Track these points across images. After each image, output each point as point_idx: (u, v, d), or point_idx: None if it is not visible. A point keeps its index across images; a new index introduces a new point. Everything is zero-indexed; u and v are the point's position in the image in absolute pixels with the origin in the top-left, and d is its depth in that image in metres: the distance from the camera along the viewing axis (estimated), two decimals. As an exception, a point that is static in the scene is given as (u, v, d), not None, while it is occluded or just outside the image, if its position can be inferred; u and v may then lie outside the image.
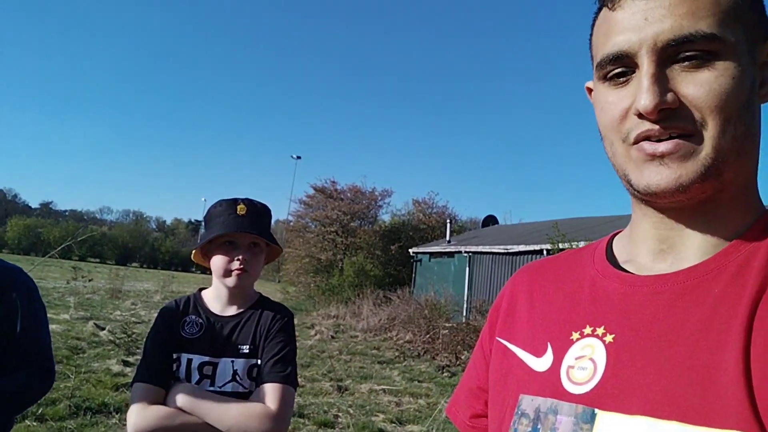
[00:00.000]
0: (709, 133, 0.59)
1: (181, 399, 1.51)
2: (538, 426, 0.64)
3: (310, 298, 22.16)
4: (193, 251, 1.75)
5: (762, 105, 0.65)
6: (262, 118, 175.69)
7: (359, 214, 26.17)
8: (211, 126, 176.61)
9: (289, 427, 1.71)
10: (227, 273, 1.63)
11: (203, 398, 1.52)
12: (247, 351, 1.61)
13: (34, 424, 4.54)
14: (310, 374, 7.88)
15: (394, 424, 5.83)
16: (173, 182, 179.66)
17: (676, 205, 0.64)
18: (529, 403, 0.67)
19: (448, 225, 20.42)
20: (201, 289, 1.77)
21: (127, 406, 4.91)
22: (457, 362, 9.64)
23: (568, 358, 0.66)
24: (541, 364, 0.69)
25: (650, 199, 0.64)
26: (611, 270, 0.70)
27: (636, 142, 0.62)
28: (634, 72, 0.62)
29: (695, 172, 0.59)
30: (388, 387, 7.53)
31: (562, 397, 0.64)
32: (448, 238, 19.51)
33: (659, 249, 0.67)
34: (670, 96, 0.59)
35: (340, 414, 5.94)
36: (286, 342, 1.63)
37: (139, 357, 7.47)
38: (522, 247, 13.62)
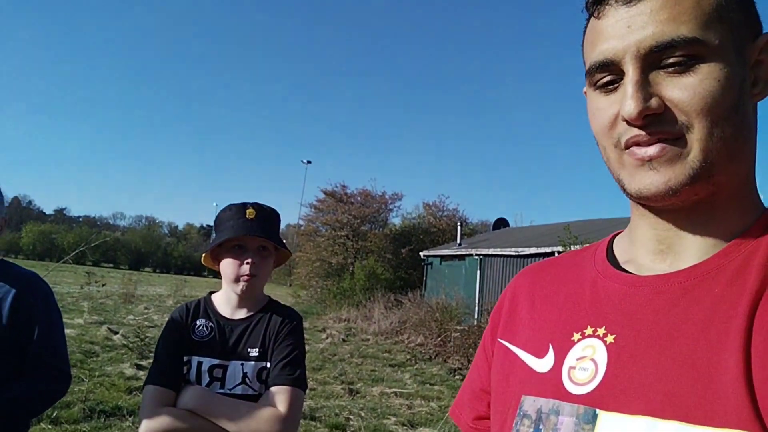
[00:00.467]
0: (696, 136, 0.59)
1: (192, 401, 1.52)
2: (540, 427, 0.65)
3: (321, 302, 22.20)
4: (203, 255, 1.77)
5: (760, 103, 0.65)
6: (273, 123, 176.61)
7: (369, 217, 26.20)
8: (222, 132, 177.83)
9: (301, 430, 1.71)
10: (236, 277, 1.65)
11: (213, 400, 1.53)
12: (257, 354, 1.62)
13: (49, 427, 4.59)
14: (322, 377, 7.89)
15: (405, 427, 5.82)
16: (185, 188, 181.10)
17: (671, 207, 0.64)
18: (531, 404, 0.67)
19: (459, 228, 20.38)
20: (211, 293, 1.79)
21: (140, 408, 4.94)
22: (469, 365, 9.58)
23: (570, 359, 0.66)
24: (542, 365, 0.69)
25: (644, 202, 0.65)
26: (612, 270, 0.71)
27: (627, 147, 0.63)
28: (622, 79, 0.63)
29: (684, 175, 0.60)
30: (399, 390, 7.52)
31: (564, 397, 0.64)
32: (458, 241, 19.46)
33: (658, 249, 0.67)
34: (654, 101, 0.60)
35: (351, 417, 5.94)
36: (294, 345, 1.64)
37: (151, 361, 7.56)
38: (533, 250, 13.57)
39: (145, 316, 13.48)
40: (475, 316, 14.04)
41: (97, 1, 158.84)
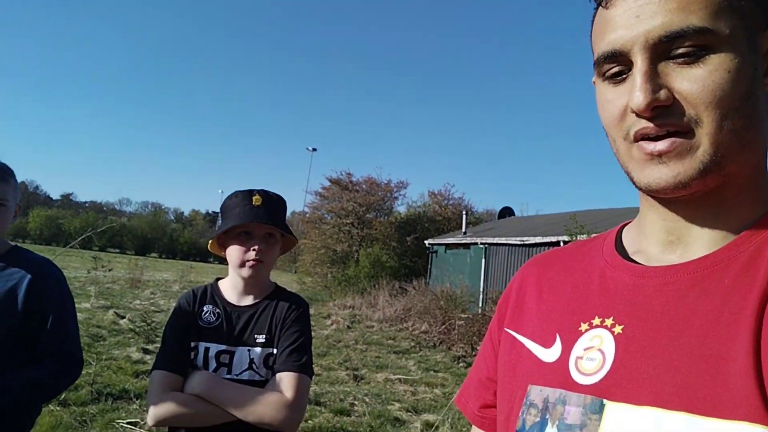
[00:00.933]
0: (705, 129, 0.58)
1: (199, 386, 1.54)
2: (547, 416, 0.65)
3: (326, 289, 22.29)
4: (210, 241, 1.77)
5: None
6: (279, 110, 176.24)
7: (375, 205, 26.18)
8: (228, 119, 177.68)
9: (306, 415, 1.73)
10: (243, 263, 1.66)
11: (220, 386, 1.54)
12: (264, 340, 1.63)
13: (58, 409, 4.65)
14: (327, 363, 7.94)
15: (409, 413, 5.86)
16: (191, 174, 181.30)
17: (680, 199, 0.64)
18: (537, 393, 0.68)
19: (464, 216, 20.34)
20: (218, 279, 1.80)
21: (147, 392, 5.00)
22: (473, 353, 9.65)
23: (577, 349, 0.66)
24: (549, 354, 0.69)
25: (653, 194, 0.65)
26: (620, 261, 0.70)
27: (635, 139, 0.62)
28: (630, 69, 0.62)
29: (694, 169, 0.59)
30: (403, 376, 7.56)
31: (571, 387, 0.64)
32: (464, 230, 19.45)
33: (667, 240, 0.67)
34: (663, 93, 0.59)
35: (356, 402, 5.99)
36: (301, 331, 1.65)
37: (158, 345, 7.56)
38: (539, 239, 13.54)
39: (152, 301, 13.58)
40: (480, 305, 14.06)
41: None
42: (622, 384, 0.60)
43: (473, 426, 0.87)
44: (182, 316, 1.68)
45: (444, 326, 11.19)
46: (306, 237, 25.61)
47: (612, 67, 0.63)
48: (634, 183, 0.64)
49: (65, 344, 1.82)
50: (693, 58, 0.58)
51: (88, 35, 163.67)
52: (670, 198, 0.64)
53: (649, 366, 0.59)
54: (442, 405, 6.14)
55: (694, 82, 0.58)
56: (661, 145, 0.60)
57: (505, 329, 0.80)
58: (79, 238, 6.21)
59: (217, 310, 1.68)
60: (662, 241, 0.67)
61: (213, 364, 1.62)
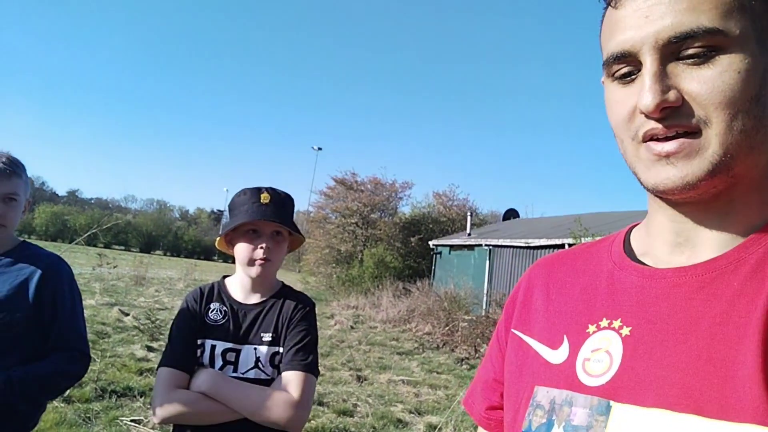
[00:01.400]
0: (714, 131, 0.58)
1: (205, 384, 1.54)
2: (553, 417, 0.65)
3: (330, 289, 22.31)
4: (217, 239, 1.77)
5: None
6: (285, 109, 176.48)
7: (379, 205, 26.19)
8: (233, 118, 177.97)
9: (309, 415, 1.73)
10: (250, 261, 1.66)
11: (226, 384, 1.55)
12: (270, 339, 1.63)
13: (62, 405, 4.67)
14: (330, 363, 7.94)
15: (412, 415, 5.86)
16: (196, 172, 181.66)
17: (688, 200, 0.63)
18: (544, 394, 0.68)
19: (469, 218, 20.34)
20: (225, 277, 1.80)
21: (151, 390, 4.97)
22: (476, 355, 9.63)
23: (584, 351, 0.66)
24: (556, 356, 0.69)
25: (660, 195, 0.64)
26: (628, 262, 0.70)
27: (644, 140, 0.62)
28: (640, 70, 0.61)
29: (702, 170, 0.59)
30: (406, 378, 7.56)
31: (578, 389, 0.64)
32: (468, 231, 19.43)
33: (676, 242, 0.67)
34: (672, 94, 0.58)
35: (359, 403, 5.99)
36: (307, 331, 1.65)
37: (162, 343, 7.61)
38: (543, 241, 13.52)
39: (156, 298, 13.60)
40: (484, 307, 14.05)
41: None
42: (629, 386, 0.60)
43: (479, 427, 0.87)
44: (189, 313, 1.68)
45: (447, 328, 11.18)
46: (310, 236, 25.64)
47: (621, 68, 0.63)
48: (641, 184, 0.64)
49: (74, 340, 1.83)
50: (703, 58, 0.58)
51: (94, 32, 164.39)
52: (678, 199, 0.63)
53: (657, 368, 0.59)
54: (445, 407, 6.13)
55: (704, 83, 0.58)
56: (669, 146, 0.59)
57: (512, 330, 0.80)
58: (85, 235, 6.24)
59: (224, 308, 1.68)
60: (670, 242, 0.67)
61: (219, 362, 1.62)
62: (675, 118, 0.59)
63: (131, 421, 4.57)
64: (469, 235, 18.89)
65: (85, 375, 1.94)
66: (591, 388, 0.63)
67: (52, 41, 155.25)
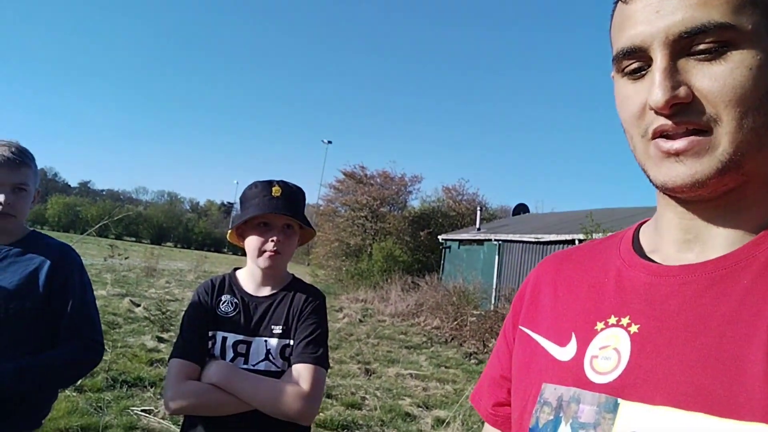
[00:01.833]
0: (725, 128, 0.57)
1: (216, 376, 1.55)
2: (561, 414, 0.65)
3: (338, 282, 22.36)
4: (229, 231, 1.78)
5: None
6: (294, 103, 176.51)
7: (389, 199, 26.18)
8: (244, 111, 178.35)
9: (319, 407, 1.74)
10: (261, 254, 1.66)
11: (237, 376, 1.56)
12: (280, 331, 1.64)
13: (74, 394, 4.72)
14: (338, 356, 7.97)
15: (420, 408, 5.87)
16: (207, 165, 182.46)
17: (698, 198, 0.63)
18: (551, 391, 0.68)
19: (478, 212, 20.27)
20: (236, 269, 1.80)
21: (161, 381, 5.00)
22: (485, 350, 9.63)
23: (592, 348, 0.66)
24: (564, 353, 0.69)
25: (670, 193, 0.64)
26: (637, 260, 0.70)
27: (653, 137, 0.61)
28: (650, 66, 0.61)
29: (712, 168, 0.58)
30: (415, 372, 7.57)
31: (585, 386, 0.64)
32: (477, 226, 19.38)
33: (684, 239, 0.66)
34: (682, 90, 0.58)
35: (367, 396, 6.01)
36: (318, 324, 1.65)
37: (172, 334, 7.67)
38: (553, 237, 13.46)
39: (167, 289, 13.70)
40: (493, 302, 14.03)
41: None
42: (638, 383, 0.60)
43: (486, 423, 0.87)
44: (200, 305, 1.70)
45: (456, 322, 11.17)
46: (320, 230, 25.66)
47: (631, 63, 0.63)
48: (651, 181, 0.64)
49: (86, 328, 1.84)
50: (714, 54, 0.57)
51: (107, 26, 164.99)
52: (688, 197, 0.63)
53: (665, 366, 0.58)
54: (453, 401, 6.14)
55: (715, 79, 0.57)
56: (678, 144, 0.59)
57: (520, 327, 0.80)
58: (96, 226, 6.29)
59: (235, 300, 1.69)
60: (679, 239, 0.67)
61: (230, 354, 1.63)
62: (685, 115, 0.58)
63: (142, 411, 4.61)
64: (479, 229, 18.84)
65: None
66: (599, 385, 0.63)
67: (63, 34, 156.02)
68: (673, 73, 0.58)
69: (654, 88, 0.58)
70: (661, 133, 0.60)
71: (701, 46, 0.58)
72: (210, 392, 1.54)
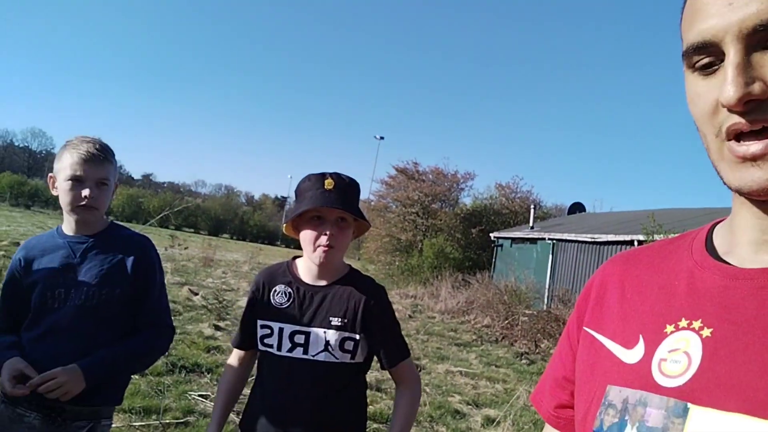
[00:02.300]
0: None
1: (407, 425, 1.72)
2: (626, 417, 0.63)
3: (389, 277, 22.45)
4: (284, 225, 1.79)
5: None
6: (348, 99, 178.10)
7: (440, 196, 26.06)
8: (297, 106, 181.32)
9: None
10: (315, 248, 1.66)
11: (408, 423, 1.72)
12: (339, 324, 1.65)
13: (136, 377, 4.94)
14: (388, 351, 8.00)
15: (470, 407, 5.84)
16: (262, 159, 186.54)
17: None
18: (616, 394, 0.66)
19: (532, 210, 19.89)
20: (295, 258, 1.82)
21: (218, 367, 5.18)
22: (537, 350, 9.47)
23: (661, 351, 0.64)
24: (631, 356, 0.67)
25: (744, 196, 0.61)
26: (710, 261, 0.67)
27: (728, 137, 0.58)
28: (722, 61, 0.58)
29: None
30: (464, 369, 7.53)
31: (653, 389, 0.62)
32: (531, 224, 19.04)
33: (762, 240, 0.63)
34: (757, 86, 0.54)
35: (415, 392, 6.01)
36: (393, 317, 1.77)
37: (228, 323, 7.89)
38: (611, 237, 13.07)
39: (223, 279, 14.09)
40: (545, 302, 13.77)
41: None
42: (709, 388, 0.58)
43: (547, 425, 0.86)
44: (254, 294, 1.75)
45: (507, 321, 11.03)
46: (371, 225, 25.76)
47: (702, 58, 0.59)
48: (724, 183, 0.61)
49: (163, 315, 1.99)
50: None
51: (165, 23, 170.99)
52: (764, 198, 0.60)
53: (740, 372, 0.56)
54: (503, 401, 6.07)
55: None
56: (753, 148, 0.56)
57: (584, 328, 0.78)
58: (158, 217, 6.55)
59: (289, 291, 1.71)
60: (756, 241, 0.64)
61: (287, 345, 1.66)
62: (760, 112, 0.55)
63: (199, 395, 4.79)
64: (532, 228, 18.51)
65: (165, 348, 2.09)
66: (667, 389, 0.61)
67: (131, 33, 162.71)
68: (747, 68, 0.55)
69: (726, 84, 0.55)
70: (735, 134, 0.57)
71: None
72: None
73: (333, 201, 1.63)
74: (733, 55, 0.56)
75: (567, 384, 0.80)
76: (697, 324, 0.63)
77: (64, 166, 1.81)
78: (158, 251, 2.07)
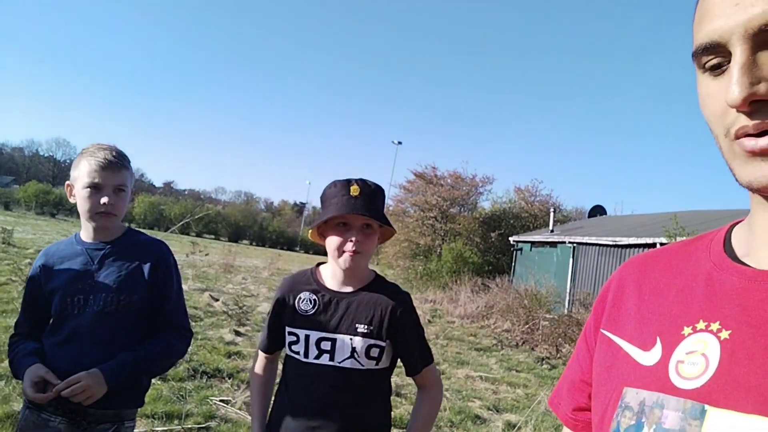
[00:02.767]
0: None
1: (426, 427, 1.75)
2: (643, 419, 0.63)
3: (407, 282, 22.40)
4: (310, 231, 1.79)
5: None
6: (367, 103, 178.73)
7: (459, 200, 25.95)
8: (316, 113, 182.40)
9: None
10: (341, 254, 1.66)
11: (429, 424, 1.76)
12: (366, 331, 1.65)
13: (158, 382, 5.00)
14: (407, 356, 7.98)
15: (491, 412, 5.80)
16: (281, 165, 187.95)
17: None
18: (633, 396, 0.66)
19: (552, 214, 19.72)
20: (319, 264, 1.82)
21: (239, 372, 5.23)
22: (558, 355, 9.37)
23: (678, 353, 0.64)
24: (648, 357, 0.67)
25: (757, 193, 0.61)
26: (729, 263, 0.67)
27: (737, 137, 0.58)
28: (730, 61, 0.58)
29: None
30: (485, 374, 7.48)
31: (670, 391, 0.62)
32: (551, 228, 18.88)
33: None
34: (762, 86, 0.54)
35: (435, 397, 5.99)
36: (418, 324, 1.77)
37: (248, 328, 7.94)
38: (633, 240, 12.90)
39: (243, 285, 14.19)
40: (566, 306, 13.62)
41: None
42: (727, 390, 0.57)
43: (565, 427, 0.86)
44: (280, 300, 1.76)
45: (527, 326, 10.94)
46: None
47: (711, 59, 0.60)
48: (736, 180, 0.61)
49: (183, 320, 2.02)
50: None
51: (186, 31, 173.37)
52: None
53: (759, 374, 0.56)
54: (524, 406, 6.02)
55: None
56: (762, 142, 0.56)
57: (602, 331, 0.78)
58: (179, 224, 6.64)
59: (314, 297, 1.71)
60: None
61: (314, 351, 1.66)
62: (766, 113, 0.55)
63: (220, 401, 4.82)
64: (552, 231, 18.35)
65: (183, 353, 2.12)
66: (684, 390, 0.61)
67: (147, 44, 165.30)
68: (752, 68, 0.55)
69: (731, 84, 0.56)
70: (744, 134, 0.57)
71: None
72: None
73: (359, 208, 1.63)
74: (738, 55, 0.56)
75: (585, 386, 0.80)
76: (715, 326, 0.62)
77: (82, 174, 1.85)
78: (178, 258, 2.10)
